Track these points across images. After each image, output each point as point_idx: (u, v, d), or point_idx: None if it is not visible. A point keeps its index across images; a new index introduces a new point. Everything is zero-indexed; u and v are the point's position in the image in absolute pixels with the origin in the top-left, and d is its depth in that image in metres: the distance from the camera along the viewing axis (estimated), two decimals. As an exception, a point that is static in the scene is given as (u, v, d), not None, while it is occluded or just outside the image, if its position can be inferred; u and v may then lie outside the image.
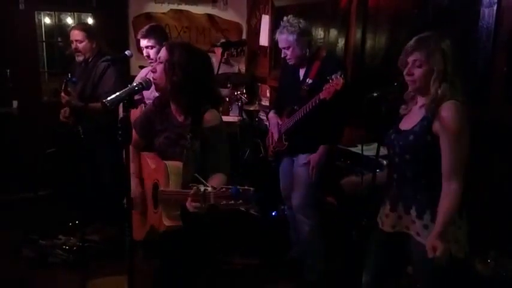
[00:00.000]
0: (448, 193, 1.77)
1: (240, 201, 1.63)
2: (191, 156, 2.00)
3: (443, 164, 1.78)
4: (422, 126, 1.83)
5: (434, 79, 1.79)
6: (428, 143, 1.81)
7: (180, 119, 2.12)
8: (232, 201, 1.64)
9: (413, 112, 1.95)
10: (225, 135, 2.16)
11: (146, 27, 3.21)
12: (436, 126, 1.79)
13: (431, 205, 1.84)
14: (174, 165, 1.99)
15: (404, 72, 1.85)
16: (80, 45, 3.62)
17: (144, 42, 3.15)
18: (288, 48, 2.90)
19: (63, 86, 3.49)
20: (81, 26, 3.85)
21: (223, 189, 1.66)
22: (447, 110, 1.76)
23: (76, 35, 3.62)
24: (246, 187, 1.64)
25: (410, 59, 1.83)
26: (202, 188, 1.72)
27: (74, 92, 3.56)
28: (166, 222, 1.97)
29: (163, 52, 2.06)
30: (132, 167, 2.10)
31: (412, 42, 1.85)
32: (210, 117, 2.05)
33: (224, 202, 1.66)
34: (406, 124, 1.95)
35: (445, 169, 1.78)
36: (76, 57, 3.68)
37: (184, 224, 1.98)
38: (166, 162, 2.00)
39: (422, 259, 1.86)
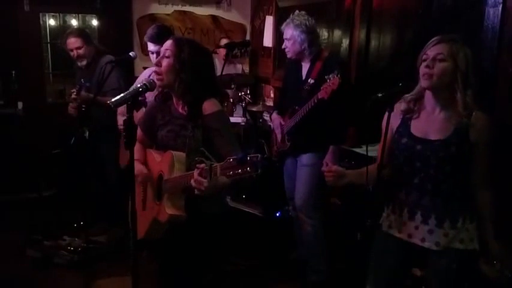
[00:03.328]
0: (488, 202, 1.80)
1: (248, 168, 1.57)
2: (194, 145, 1.98)
3: (477, 173, 1.79)
4: (461, 137, 1.77)
5: (460, 81, 1.73)
6: (466, 154, 1.78)
7: (182, 110, 2.12)
8: (239, 170, 1.59)
9: (432, 118, 1.86)
10: (227, 120, 2.18)
11: (154, 29, 3.06)
12: (473, 136, 1.76)
13: (451, 213, 1.82)
14: (180, 155, 1.99)
15: (423, 66, 1.77)
16: (81, 51, 3.59)
17: (153, 47, 3.01)
18: (289, 40, 2.95)
19: (76, 90, 3.45)
20: (76, 32, 3.68)
21: (230, 159, 1.62)
22: (482, 121, 1.75)
23: (74, 42, 3.58)
24: (253, 154, 1.58)
25: (432, 52, 1.75)
26: (209, 163, 1.70)
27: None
28: (169, 211, 1.94)
29: (170, 47, 2.03)
30: (137, 155, 2.11)
31: (436, 37, 1.78)
32: (209, 105, 2.05)
33: (231, 172, 1.61)
34: (426, 131, 1.85)
35: (479, 178, 1.79)
36: (79, 63, 3.67)
37: (189, 214, 1.97)
38: (172, 151, 2.00)
39: (440, 268, 1.85)
